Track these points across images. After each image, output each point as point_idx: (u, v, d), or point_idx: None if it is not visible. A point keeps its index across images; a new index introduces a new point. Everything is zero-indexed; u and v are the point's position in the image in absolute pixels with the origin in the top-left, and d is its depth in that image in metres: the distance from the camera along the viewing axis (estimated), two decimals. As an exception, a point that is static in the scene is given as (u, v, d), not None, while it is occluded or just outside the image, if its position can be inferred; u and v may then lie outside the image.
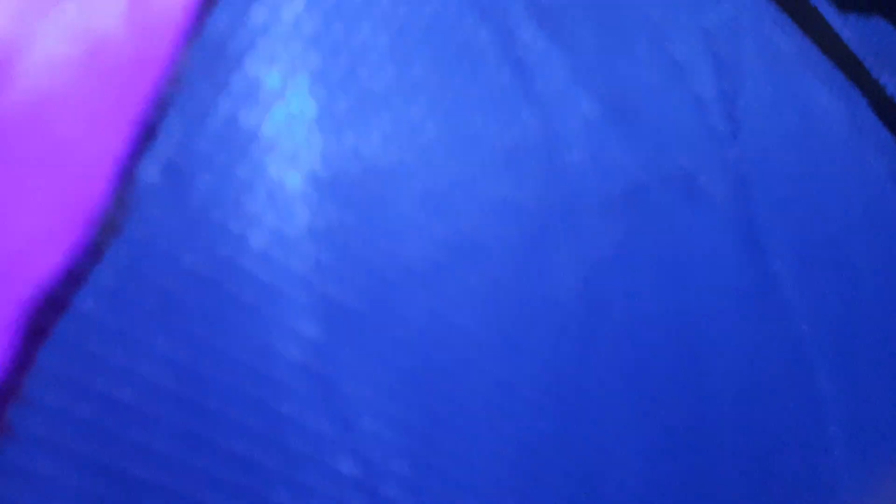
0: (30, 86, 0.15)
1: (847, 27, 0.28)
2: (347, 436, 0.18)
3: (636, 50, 0.23)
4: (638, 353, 0.22)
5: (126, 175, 0.16)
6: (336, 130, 0.18)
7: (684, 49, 0.24)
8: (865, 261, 0.27)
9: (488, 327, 0.20)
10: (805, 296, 0.26)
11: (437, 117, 0.20)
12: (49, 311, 0.15)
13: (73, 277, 0.15)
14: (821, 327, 0.26)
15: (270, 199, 0.17)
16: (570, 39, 0.22)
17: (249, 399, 0.17)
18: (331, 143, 0.18)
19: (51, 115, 0.15)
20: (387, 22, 0.19)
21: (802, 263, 0.26)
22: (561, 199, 0.21)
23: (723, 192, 0.24)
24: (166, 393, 0.16)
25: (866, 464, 0.27)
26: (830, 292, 0.26)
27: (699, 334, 0.23)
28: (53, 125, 0.15)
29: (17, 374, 0.14)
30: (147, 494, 0.16)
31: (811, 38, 0.27)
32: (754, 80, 0.25)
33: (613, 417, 0.22)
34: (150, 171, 0.16)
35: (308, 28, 0.18)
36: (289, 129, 0.18)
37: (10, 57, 0.15)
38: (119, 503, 0.15)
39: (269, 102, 0.17)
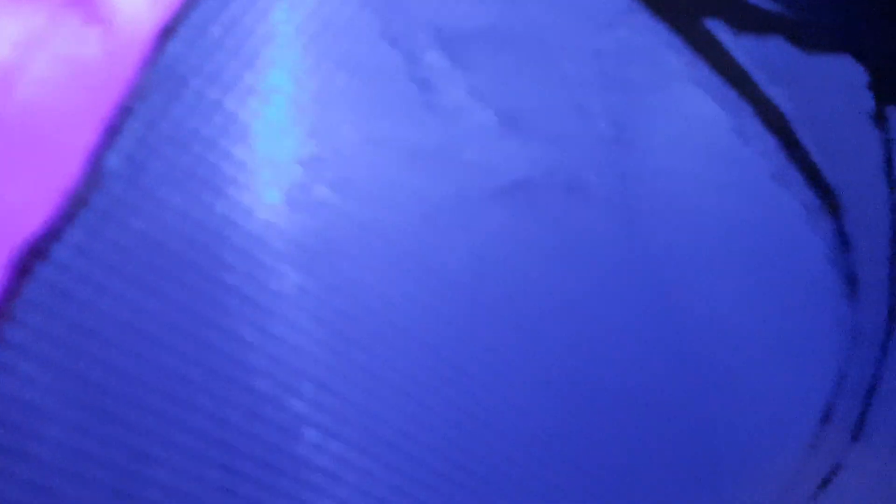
0: (26, 98, 0.21)
1: (740, 47, 0.33)
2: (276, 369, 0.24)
3: (530, 69, 0.28)
4: (522, 323, 0.28)
5: (95, 162, 0.22)
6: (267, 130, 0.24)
7: (574, 68, 0.29)
8: (743, 248, 0.32)
9: (390, 293, 0.26)
10: (684, 274, 0.31)
11: (352, 122, 0.25)
12: (33, 257, 0.21)
13: (51, 235, 0.21)
14: (701, 303, 0.31)
15: (207, 181, 0.23)
16: (469, 62, 0.27)
17: (188, 317, 0.23)
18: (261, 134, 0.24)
19: (40, 119, 0.21)
20: (312, 47, 0.25)
21: (682, 246, 0.31)
22: (455, 191, 0.27)
23: (605, 185, 0.29)
24: (121, 321, 0.22)
25: (747, 425, 0.32)
26: (708, 271, 0.31)
27: (579, 306, 0.29)
28: (42, 126, 0.21)
29: (7, 301, 0.20)
30: (108, 394, 0.22)
31: (702, 56, 0.32)
32: (641, 93, 0.30)
33: (494, 376, 0.27)
34: (112, 160, 0.22)
35: (245, 51, 0.24)
36: (226, 129, 0.23)
37: (11, 76, 0.21)
38: (85, 399, 0.21)
39: (210, 109, 0.23)
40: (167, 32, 0.23)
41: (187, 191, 0.23)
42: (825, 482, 0.38)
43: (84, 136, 0.22)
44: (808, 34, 0.35)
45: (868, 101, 0.37)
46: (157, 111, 0.22)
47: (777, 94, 0.33)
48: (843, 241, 0.34)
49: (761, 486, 0.35)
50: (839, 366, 0.35)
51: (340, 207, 0.25)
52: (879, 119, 0.37)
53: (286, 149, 0.24)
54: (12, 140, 0.21)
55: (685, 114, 0.31)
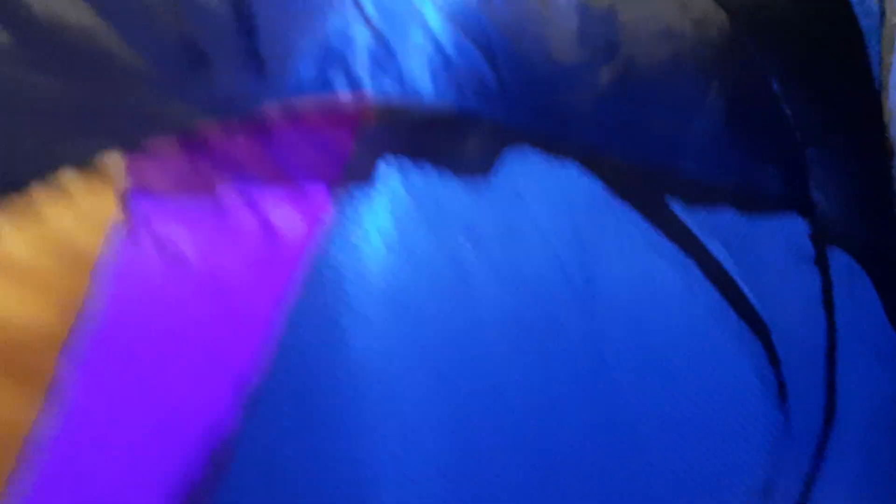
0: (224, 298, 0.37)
1: (692, 217, 0.45)
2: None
3: (527, 246, 0.42)
4: (506, 422, 0.41)
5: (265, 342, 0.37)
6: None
7: (559, 241, 0.43)
8: (682, 366, 0.44)
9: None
10: (638, 389, 0.44)
11: (407, 287, 0.40)
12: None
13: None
14: (648, 411, 0.44)
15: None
16: (487, 248, 0.41)
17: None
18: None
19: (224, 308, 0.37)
20: (394, 246, 0.40)
21: (637, 371, 0.44)
22: (471, 324, 0.41)
23: (576, 324, 0.43)
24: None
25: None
26: (658, 389, 0.44)
27: (550, 415, 0.42)
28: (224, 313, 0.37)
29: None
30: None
31: (658, 227, 0.45)
32: (607, 256, 0.43)
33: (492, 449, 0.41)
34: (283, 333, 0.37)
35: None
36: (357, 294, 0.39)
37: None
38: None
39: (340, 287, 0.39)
40: (311, 240, 0.39)
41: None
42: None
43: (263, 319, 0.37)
44: (753, 202, 0.47)
45: (808, 249, 0.49)
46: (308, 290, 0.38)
47: (720, 252, 0.46)
48: (771, 359, 0.47)
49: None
50: (772, 455, 0.47)
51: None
52: (820, 261, 0.49)
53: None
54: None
55: (641, 271, 0.44)
